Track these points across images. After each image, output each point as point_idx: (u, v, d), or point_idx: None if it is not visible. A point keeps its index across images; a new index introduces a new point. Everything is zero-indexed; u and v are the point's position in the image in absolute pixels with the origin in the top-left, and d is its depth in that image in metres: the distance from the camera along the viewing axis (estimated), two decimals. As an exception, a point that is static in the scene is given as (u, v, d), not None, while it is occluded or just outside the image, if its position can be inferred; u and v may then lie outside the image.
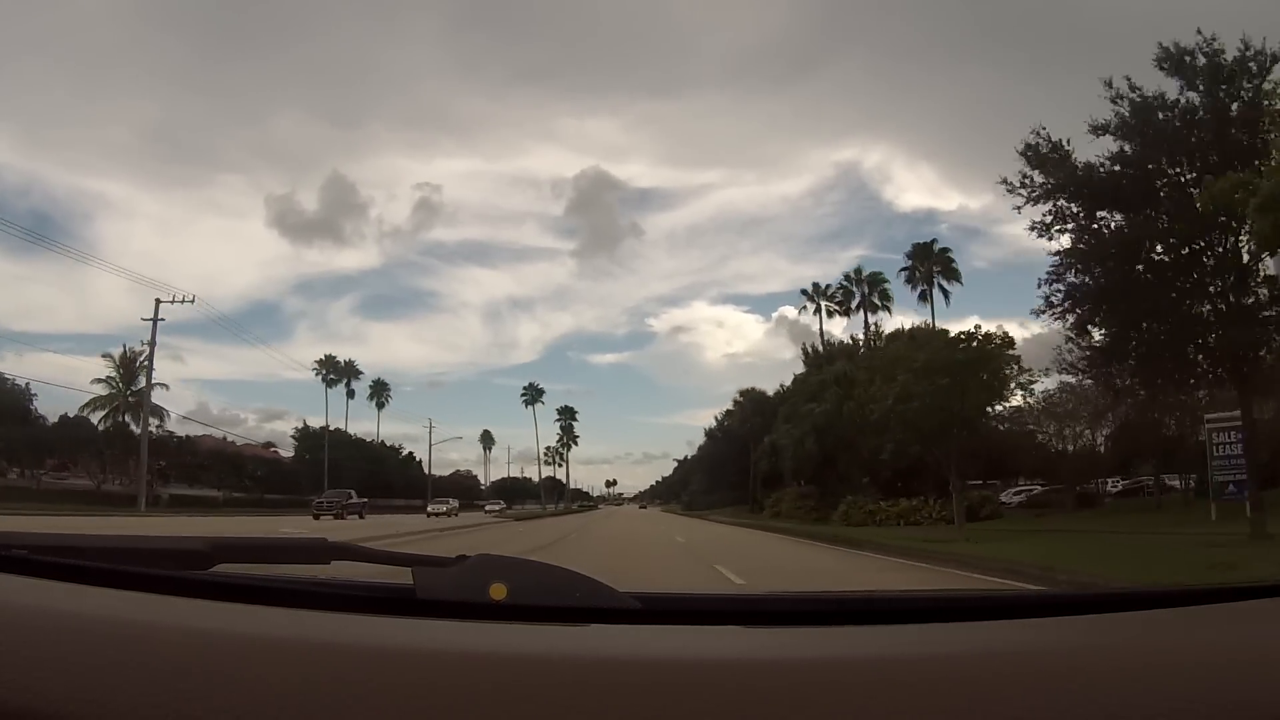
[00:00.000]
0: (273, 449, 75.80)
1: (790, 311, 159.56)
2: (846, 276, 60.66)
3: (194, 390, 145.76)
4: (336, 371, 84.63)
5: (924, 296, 55.50)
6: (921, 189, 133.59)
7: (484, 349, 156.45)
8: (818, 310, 60.43)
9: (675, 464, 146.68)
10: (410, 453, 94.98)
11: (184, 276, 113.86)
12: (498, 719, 0.75)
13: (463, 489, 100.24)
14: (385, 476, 76.82)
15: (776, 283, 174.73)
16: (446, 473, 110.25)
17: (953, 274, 56.21)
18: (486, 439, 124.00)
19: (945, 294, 55.44)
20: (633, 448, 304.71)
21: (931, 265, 55.95)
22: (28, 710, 0.74)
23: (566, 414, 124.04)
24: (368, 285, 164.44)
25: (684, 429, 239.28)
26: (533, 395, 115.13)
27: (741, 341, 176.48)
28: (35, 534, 1.21)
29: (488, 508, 66.44)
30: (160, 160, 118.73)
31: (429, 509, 49.49)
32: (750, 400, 70.99)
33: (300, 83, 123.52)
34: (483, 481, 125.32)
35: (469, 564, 1.09)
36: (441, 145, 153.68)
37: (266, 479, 61.87)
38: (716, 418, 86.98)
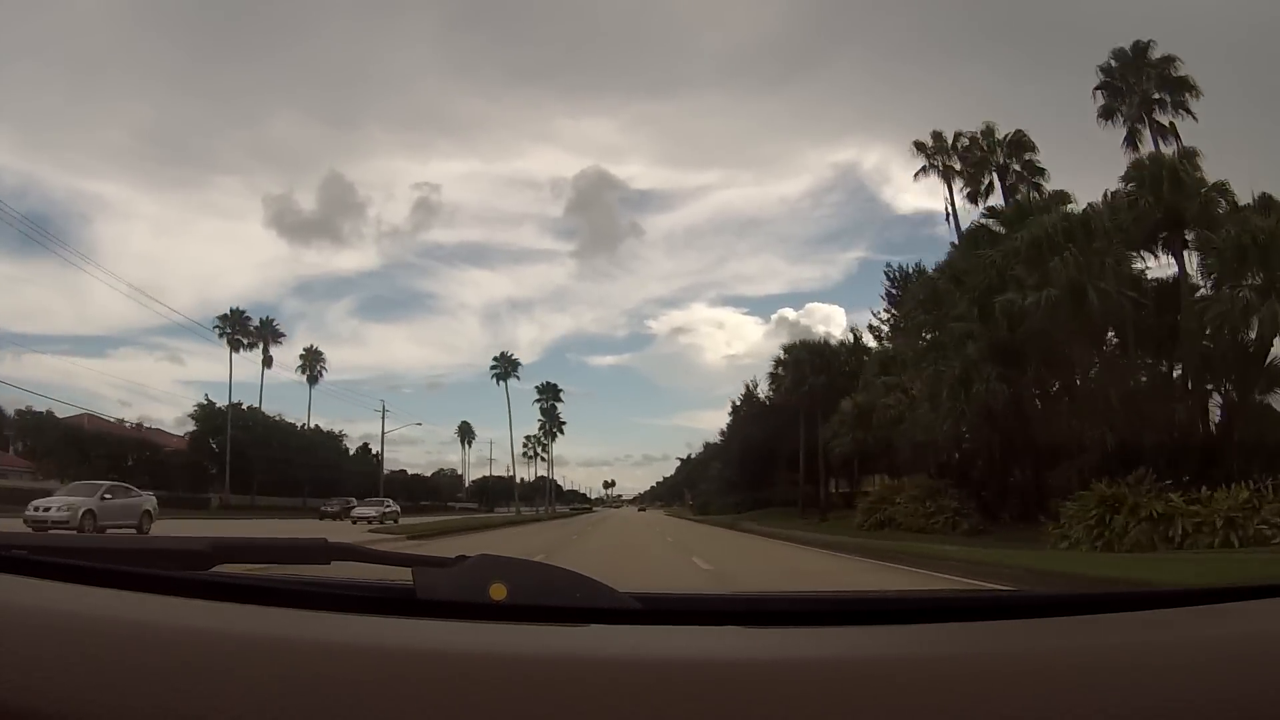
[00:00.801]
0: (188, 435, 61.59)
1: (789, 313, 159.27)
2: (972, 140, 38.12)
3: (194, 392, 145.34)
4: (244, 331, 62.98)
5: (1133, 139, 31.85)
6: (920, 190, 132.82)
7: (483, 351, 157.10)
8: (945, 175, 39.37)
9: (679, 462, 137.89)
10: (365, 445, 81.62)
11: (182, 278, 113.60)
12: (498, 719, 0.75)
13: (437, 489, 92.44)
14: (319, 469, 64.64)
15: (775, 284, 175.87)
16: (429, 472, 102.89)
17: (1181, 102, 31.44)
18: (465, 432, 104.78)
19: (1169, 131, 31.16)
20: (632, 449, 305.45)
21: (1146, 82, 31.80)
22: (28, 710, 0.74)
23: (549, 394, 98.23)
24: (366, 287, 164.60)
25: (684, 431, 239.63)
26: (504, 369, 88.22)
27: (741, 343, 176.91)
28: (35, 534, 1.22)
29: (357, 511, 42.50)
30: (158, 162, 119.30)
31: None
32: (807, 352, 48.25)
33: (297, 84, 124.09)
34: (467, 481, 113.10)
35: (469, 564, 1.09)
36: (439, 147, 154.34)
37: (138, 469, 46.69)
38: (749, 385, 64.37)
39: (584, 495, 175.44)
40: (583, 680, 0.79)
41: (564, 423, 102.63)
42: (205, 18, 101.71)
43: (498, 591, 1.03)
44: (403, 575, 1.10)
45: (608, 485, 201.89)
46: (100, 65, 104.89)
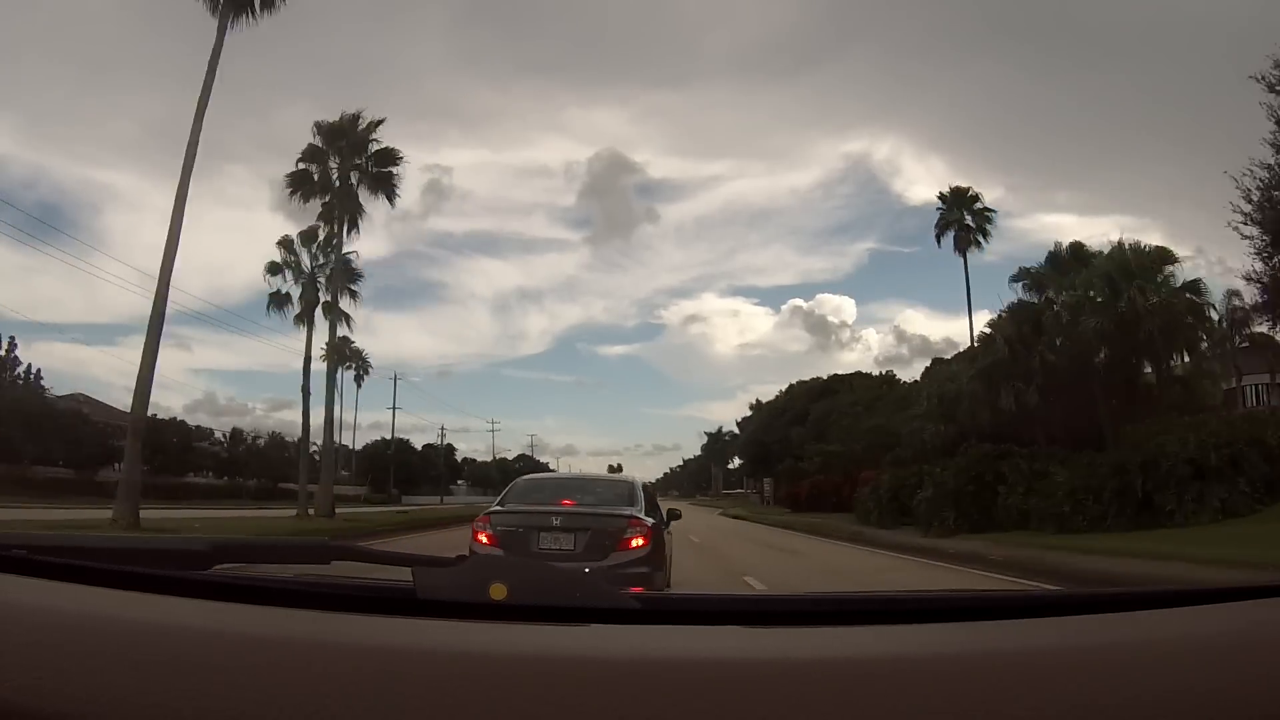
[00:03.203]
0: None
1: (800, 304, 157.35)
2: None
3: (202, 380, 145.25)
4: None
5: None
6: (931, 182, 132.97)
7: (492, 340, 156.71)
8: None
9: (705, 438, 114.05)
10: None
11: (193, 267, 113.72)
12: (497, 719, 0.75)
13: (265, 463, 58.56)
14: None
15: (785, 275, 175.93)
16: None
17: None
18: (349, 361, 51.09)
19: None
20: (642, 440, 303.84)
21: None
22: (28, 710, 0.74)
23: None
24: (376, 276, 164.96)
25: (694, 421, 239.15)
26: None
27: (751, 334, 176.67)
28: (35, 534, 1.22)
29: None
30: (167, 152, 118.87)
31: None
32: None
33: (306, 73, 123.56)
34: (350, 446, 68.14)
35: (469, 564, 1.09)
36: (449, 136, 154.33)
37: None
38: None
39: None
40: (583, 680, 0.80)
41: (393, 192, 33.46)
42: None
43: (498, 591, 1.03)
44: (403, 575, 1.10)
45: (613, 470, 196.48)
46: (110, 56, 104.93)
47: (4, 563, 1.07)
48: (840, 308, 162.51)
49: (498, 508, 7.50)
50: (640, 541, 6.75)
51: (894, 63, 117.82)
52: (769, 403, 73.68)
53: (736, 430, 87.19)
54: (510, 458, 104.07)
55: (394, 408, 74.33)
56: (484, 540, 6.96)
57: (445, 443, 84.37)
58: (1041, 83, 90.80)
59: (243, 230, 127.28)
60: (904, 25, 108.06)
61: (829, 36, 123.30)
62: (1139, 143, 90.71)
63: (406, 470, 79.17)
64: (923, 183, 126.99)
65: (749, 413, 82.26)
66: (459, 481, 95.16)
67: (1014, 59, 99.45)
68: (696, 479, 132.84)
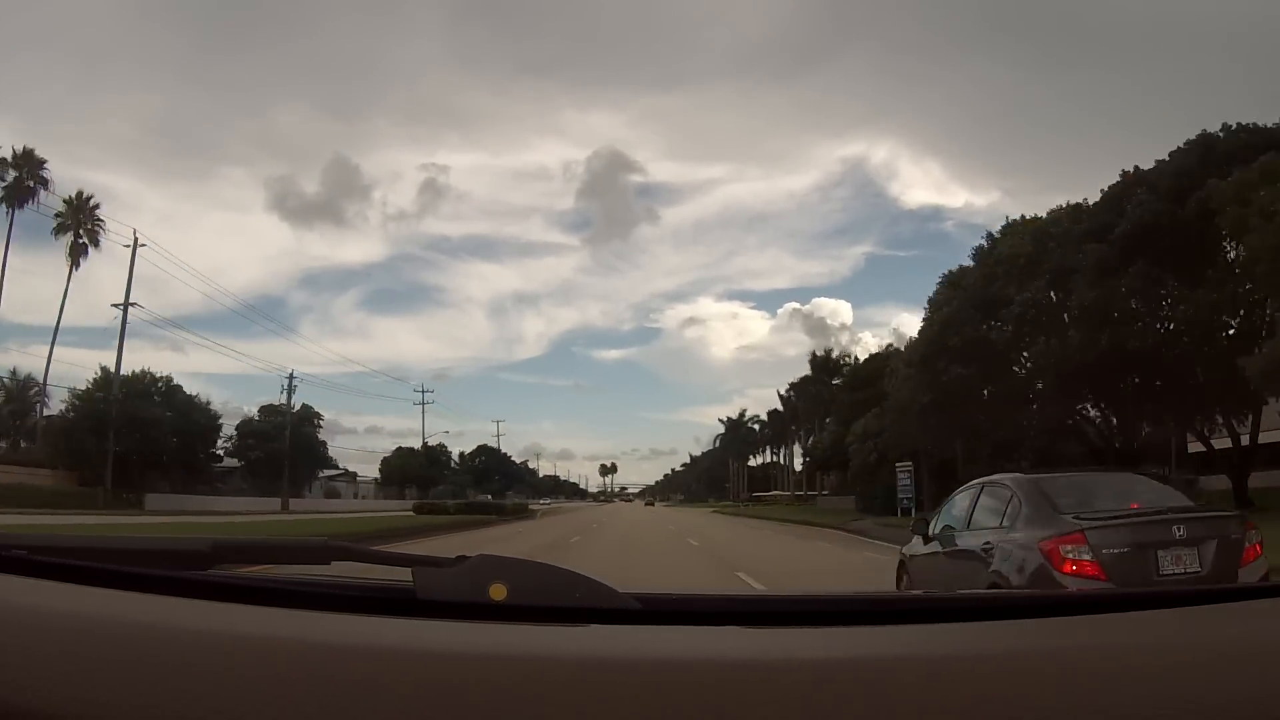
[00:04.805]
0: None
1: (797, 307, 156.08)
2: None
3: (198, 385, 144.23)
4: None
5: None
6: (928, 185, 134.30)
7: (489, 344, 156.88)
8: None
9: (725, 424, 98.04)
10: None
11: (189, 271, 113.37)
12: (497, 719, 0.75)
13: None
14: None
15: (782, 279, 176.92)
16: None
17: None
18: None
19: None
20: (639, 444, 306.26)
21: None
22: (28, 710, 0.75)
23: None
24: (373, 280, 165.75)
25: (690, 425, 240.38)
26: None
27: (748, 337, 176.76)
28: (35, 534, 1.22)
29: None
30: (165, 154, 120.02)
31: None
32: None
33: (304, 77, 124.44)
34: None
35: (469, 564, 1.09)
36: (446, 139, 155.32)
37: None
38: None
39: (576, 485, 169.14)
40: (583, 680, 0.80)
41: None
42: (212, 10, 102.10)
43: (498, 591, 1.03)
44: (403, 575, 1.10)
45: (606, 471, 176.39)
46: (107, 57, 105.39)
47: (4, 563, 1.07)
48: (837, 311, 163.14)
49: (1091, 522, 5.39)
50: (1259, 550, 5.42)
51: (891, 65, 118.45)
52: (964, 270, 32.79)
53: (765, 417, 72.93)
54: (469, 450, 76.72)
55: (123, 321, 41.28)
56: (1074, 569, 5.19)
57: (296, 404, 48.51)
58: (1039, 86, 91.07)
59: (240, 233, 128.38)
60: (901, 28, 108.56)
61: (827, 40, 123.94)
62: (1137, 145, 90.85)
63: (173, 447, 43.53)
64: (919, 186, 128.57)
65: (808, 372, 63.34)
66: (343, 472, 62.29)
67: (1012, 62, 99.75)
68: (709, 479, 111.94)
